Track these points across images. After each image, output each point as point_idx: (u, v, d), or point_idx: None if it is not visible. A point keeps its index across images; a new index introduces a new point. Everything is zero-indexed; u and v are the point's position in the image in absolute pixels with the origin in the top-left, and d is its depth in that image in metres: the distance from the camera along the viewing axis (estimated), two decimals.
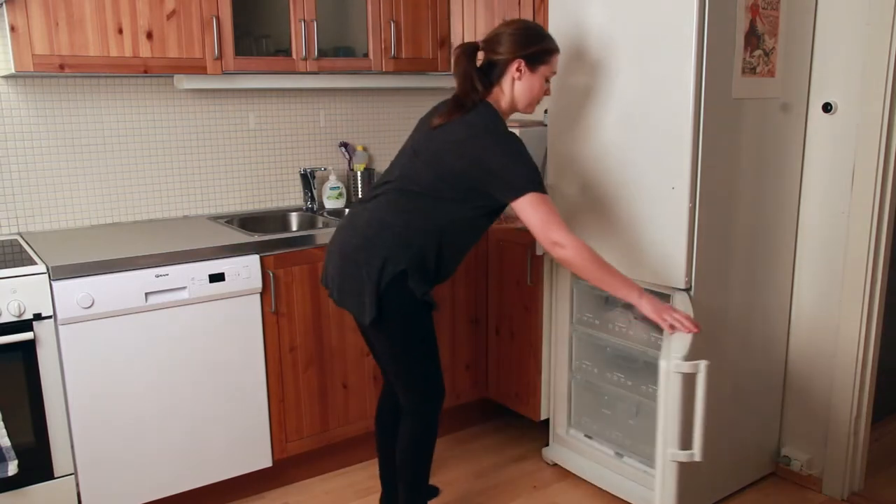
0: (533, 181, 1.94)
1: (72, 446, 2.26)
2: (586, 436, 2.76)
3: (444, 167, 1.99)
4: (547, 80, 2.12)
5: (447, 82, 3.37)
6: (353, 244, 2.05)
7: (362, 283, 2.01)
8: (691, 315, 2.02)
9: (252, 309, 2.49)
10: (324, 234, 2.64)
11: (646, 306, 1.99)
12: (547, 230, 1.93)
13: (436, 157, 2.01)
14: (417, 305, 2.04)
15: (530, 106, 2.12)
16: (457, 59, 2.06)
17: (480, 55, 2.08)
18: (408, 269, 2.00)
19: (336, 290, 2.11)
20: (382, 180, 2.13)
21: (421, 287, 2.02)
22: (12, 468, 2.12)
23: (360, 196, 3.28)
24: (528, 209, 1.94)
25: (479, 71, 2.05)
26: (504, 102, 2.09)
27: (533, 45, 2.04)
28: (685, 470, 2.15)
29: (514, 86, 2.07)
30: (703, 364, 1.75)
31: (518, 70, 2.05)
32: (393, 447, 2.31)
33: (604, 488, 2.64)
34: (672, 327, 1.96)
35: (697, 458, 1.78)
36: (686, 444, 1.78)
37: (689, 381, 1.76)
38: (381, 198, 2.07)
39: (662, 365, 1.79)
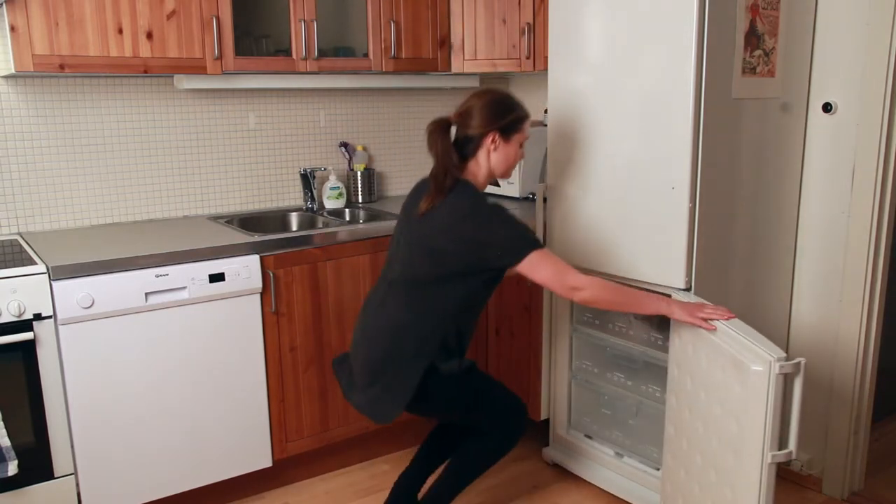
0: (530, 241, 1.99)
1: (72, 446, 2.26)
2: (586, 436, 2.76)
3: (440, 254, 2.02)
4: (521, 146, 2.14)
5: (447, 82, 3.37)
6: (377, 357, 2.08)
7: (395, 391, 2.04)
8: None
9: (252, 309, 2.49)
10: (324, 235, 2.64)
11: (678, 313, 2.03)
12: (562, 280, 1.99)
13: (430, 245, 2.03)
14: (455, 377, 2.08)
15: (507, 172, 2.15)
16: (431, 136, 2.07)
17: (454, 129, 2.09)
18: (435, 361, 2.04)
19: (368, 404, 2.11)
20: (386, 276, 2.15)
21: (452, 366, 2.07)
22: (12, 468, 2.12)
23: (359, 197, 3.28)
24: (536, 268, 1.98)
25: (455, 146, 2.07)
26: (482, 175, 2.11)
27: (505, 116, 2.07)
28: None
29: (491, 157, 2.09)
30: (803, 361, 1.76)
31: (493, 142, 2.07)
32: (439, 453, 2.34)
33: (604, 488, 2.64)
34: (706, 321, 1.99)
35: (795, 455, 1.80)
36: (782, 443, 1.79)
37: (789, 380, 1.76)
38: (389, 301, 2.09)
39: (758, 369, 1.77)
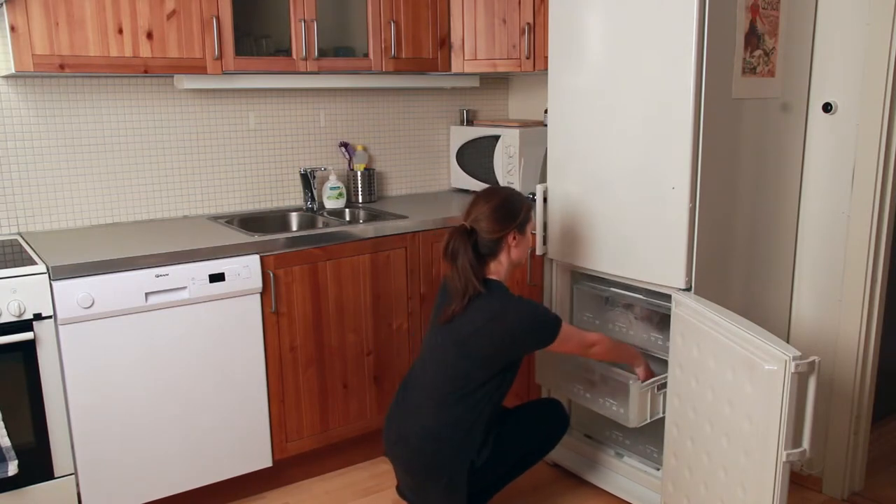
0: (555, 322, 2.13)
1: (72, 446, 2.26)
2: (586, 436, 2.76)
3: (477, 356, 2.09)
4: (532, 232, 2.23)
5: (447, 82, 3.37)
6: (423, 463, 2.14)
7: (445, 493, 2.13)
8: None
9: (252, 309, 2.49)
10: (324, 235, 2.64)
11: (642, 369, 2.35)
12: (584, 346, 2.24)
13: (466, 349, 2.10)
14: (491, 452, 2.15)
15: (523, 258, 2.24)
16: (453, 246, 2.11)
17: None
18: (475, 459, 2.11)
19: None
20: (419, 380, 2.20)
21: (489, 444, 2.14)
22: (12, 468, 2.12)
23: (359, 197, 3.28)
24: (564, 345, 2.17)
25: (474, 253, 2.11)
26: (504, 269, 2.19)
27: (519, 213, 2.16)
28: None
29: (511, 252, 2.17)
30: (817, 360, 1.77)
31: (514, 238, 2.15)
32: None
33: (604, 488, 2.64)
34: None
35: (809, 453, 1.81)
36: (796, 442, 1.79)
37: (802, 379, 1.77)
38: (426, 409, 2.15)
39: (772, 369, 1.77)
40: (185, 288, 2.35)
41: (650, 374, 2.37)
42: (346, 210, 3.18)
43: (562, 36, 2.48)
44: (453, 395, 2.11)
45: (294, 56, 2.81)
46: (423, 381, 2.18)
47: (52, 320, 2.17)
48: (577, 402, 2.76)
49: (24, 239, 2.53)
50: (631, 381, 2.31)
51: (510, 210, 2.14)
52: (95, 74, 2.66)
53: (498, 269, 2.17)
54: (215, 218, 2.91)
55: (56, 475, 2.25)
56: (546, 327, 2.13)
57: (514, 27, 3.06)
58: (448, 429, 2.10)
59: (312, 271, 2.61)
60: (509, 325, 2.07)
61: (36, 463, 2.21)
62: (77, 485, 2.28)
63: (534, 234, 2.23)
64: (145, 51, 2.49)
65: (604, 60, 2.35)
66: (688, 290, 2.24)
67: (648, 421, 2.35)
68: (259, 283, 2.48)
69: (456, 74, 3.25)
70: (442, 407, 2.12)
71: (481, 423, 2.12)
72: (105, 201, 2.79)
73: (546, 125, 2.65)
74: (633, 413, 2.32)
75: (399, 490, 2.32)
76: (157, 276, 2.30)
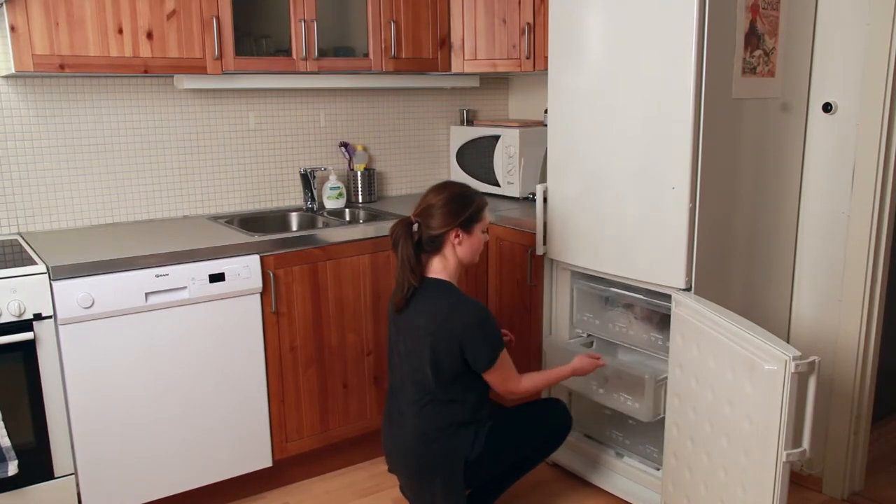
0: (500, 336, 2.11)
1: (72, 446, 2.26)
2: (586, 435, 2.76)
3: (428, 359, 2.08)
4: (483, 232, 2.19)
5: (447, 82, 3.37)
6: (416, 465, 2.17)
7: (443, 493, 2.15)
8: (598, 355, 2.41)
9: (252, 309, 2.49)
10: (324, 235, 2.64)
11: (581, 370, 2.32)
12: (506, 387, 2.16)
13: (419, 350, 2.09)
14: (486, 446, 2.14)
15: (474, 259, 2.21)
16: (395, 241, 2.12)
17: (416, 227, 2.14)
18: (468, 456, 2.12)
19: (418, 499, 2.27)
20: (394, 384, 2.23)
21: (477, 448, 2.13)
22: (12, 468, 2.12)
23: (360, 197, 3.28)
24: (497, 371, 2.11)
25: (417, 247, 2.12)
26: (450, 267, 2.16)
27: (464, 211, 2.12)
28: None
29: (457, 250, 2.14)
30: (817, 360, 1.77)
31: (457, 236, 2.13)
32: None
33: (604, 488, 2.64)
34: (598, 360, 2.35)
35: (809, 453, 1.80)
36: (796, 442, 1.79)
37: (802, 379, 1.77)
38: (410, 414, 2.15)
39: (772, 369, 1.77)
40: (185, 288, 2.35)
41: (586, 360, 2.34)
42: (346, 210, 3.18)
43: (562, 36, 2.48)
44: (428, 398, 2.12)
45: (294, 56, 2.81)
46: (401, 388, 2.19)
47: (52, 320, 2.17)
48: (581, 400, 2.77)
49: (24, 239, 2.53)
50: (646, 375, 2.31)
51: (456, 207, 2.11)
52: (95, 74, 2.66)
53: (445, 266, 2.14)
54: (215, 218, 2.91)
55: (56, 475, 2.25)
56: (491, 334, 2.09)
57: (514, 27, 3.06)
58: (435, 430, 2.11)
59: (312, 271, 2.61)
60: (455, 325, 2.05)
61: (36, 463, 2.21)
62: (77, 485, 2.28)
63: (485, 234, 2.20)
64: (145, 51, 2.49)
65: (604, 60, 2.35)
66: (688, 290, 2.24)
67: (662, 416, 2.34)
68: (259, 283, 2.48)
69: (456, 74, 3.25)
70: (423, 410, 2.13)
71: (469, 420, 2.13)
72: (105, 201, 2.79)
73: (546, 125, 2.65)
74: (648, 406, 2.33)
75: (402, 490, 2.33)
76: (157, 276, 2.30)
